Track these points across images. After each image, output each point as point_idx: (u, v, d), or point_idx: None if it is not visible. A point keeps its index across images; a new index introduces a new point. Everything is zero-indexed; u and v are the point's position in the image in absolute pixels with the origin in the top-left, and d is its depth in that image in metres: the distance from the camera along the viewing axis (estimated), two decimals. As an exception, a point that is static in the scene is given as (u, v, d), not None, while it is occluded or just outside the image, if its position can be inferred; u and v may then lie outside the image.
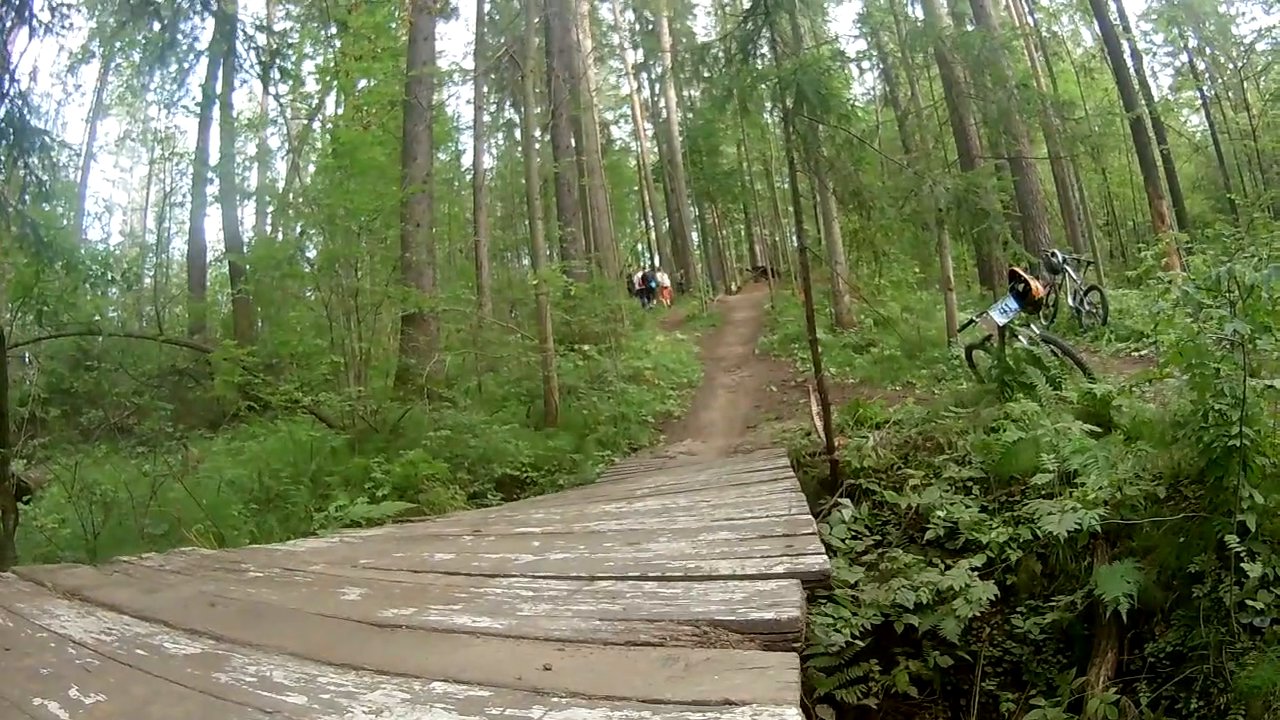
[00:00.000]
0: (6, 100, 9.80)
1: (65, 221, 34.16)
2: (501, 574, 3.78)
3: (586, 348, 19.23)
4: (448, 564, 4.29)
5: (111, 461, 14.73)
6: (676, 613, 2.70)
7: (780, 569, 3.25)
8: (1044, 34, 26.41)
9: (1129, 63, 22.49)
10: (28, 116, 10.10)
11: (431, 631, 2.88)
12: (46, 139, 10.27)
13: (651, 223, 46.49)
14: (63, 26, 10.67)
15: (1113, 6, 24.28)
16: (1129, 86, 20.91)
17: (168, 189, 40.43)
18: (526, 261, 40.45)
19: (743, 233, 48.01)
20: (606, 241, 31.49)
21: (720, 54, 11.12)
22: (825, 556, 3.44)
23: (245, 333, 23.29)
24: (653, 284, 37.91)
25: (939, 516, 7.50)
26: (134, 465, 13.05)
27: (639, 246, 50.94)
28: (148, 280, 38.92)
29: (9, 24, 9.93)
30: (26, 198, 11.07)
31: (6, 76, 9.93)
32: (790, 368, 18.36)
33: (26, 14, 9.95)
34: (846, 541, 7.65)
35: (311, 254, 20.47)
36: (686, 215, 41.38)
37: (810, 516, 4.53)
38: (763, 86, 10.42)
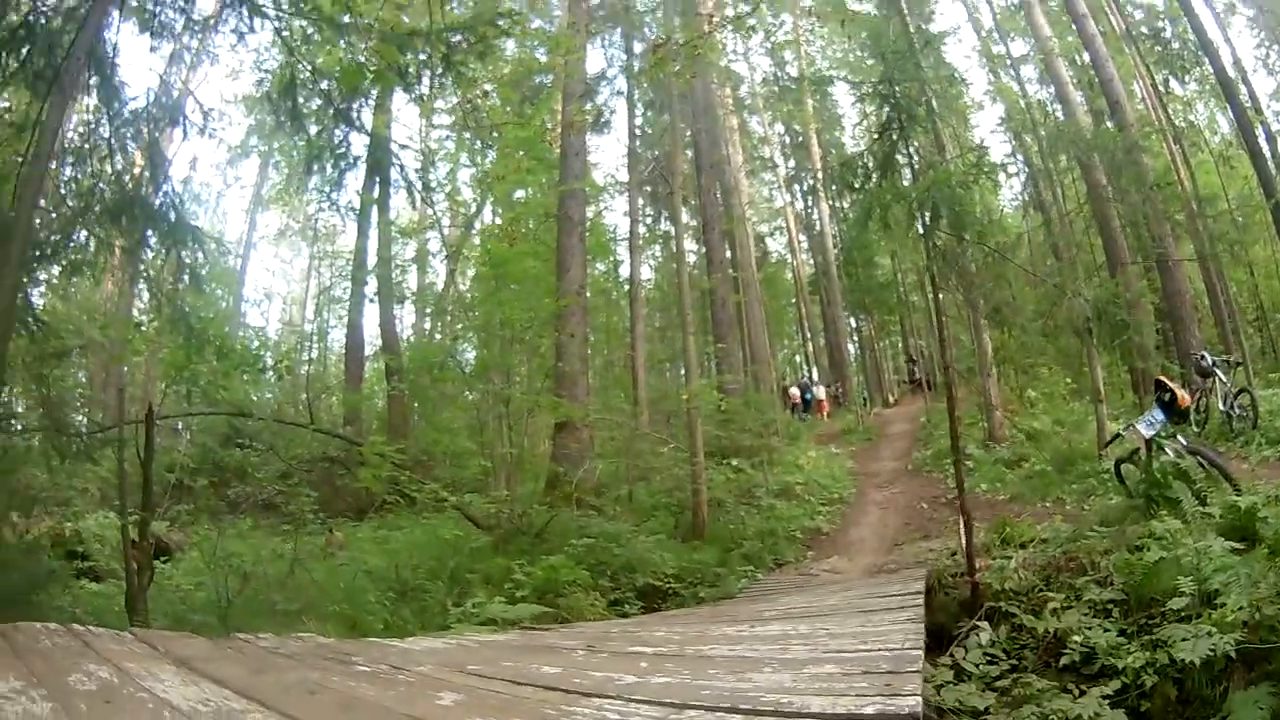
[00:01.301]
0: (161, 194, 10.43)
1: (225, 305, 35.81)
2: (598, 694, 3.78)
3: (737, 461, 19.24)
4: (550, 678, 4.31)
5: (254, 536, 15.24)
6: (749, 752, 2.71)
7: (870, 710, 3.22)
8: (1180, 125, 25.79)
9: (1264, 146, 21.85)
10: (180, 212, 10.71)
11: (507, 746, 2.90)
12: (197, 232, 10.89)
13: (809, 335, 46.32)
14: (212, 130, 11.35)
15: (1244, 89, 23.64)
16: (1266, 171, 20.08)
17: (327, 283, 42.10)
18: (683, 373, 40.88)
19: (899, 344, 47.58)
20: (762, 355, 31.58)
21: (859, 170, 11.22)
22: (919, 699, 3.37)
23: (398, 428, 23.83)
24: (808, 396, 37.75)
25: (1075, 641, 7.28)
26: (276, 542, 13.49)
27: (796, 359, 50.82)
28: (304, 369, 40.42)
29: (164, 125, 10.61)
30: (180, 286, 11.69)
31: (161, 174, 10.57)
32: (942, 484, 18.03)
33: (179, 116, 10.64)
34: (981, 666, 7.49)
35: (469, 356, 21.04)
36: (842, 327, 41.18)
37: (920, 652, 4.45)
38: (899, 203, 10.42)
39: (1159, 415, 10.36)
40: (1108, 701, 6.41)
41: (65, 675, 3.49)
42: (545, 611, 10.49)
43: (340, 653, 5.12)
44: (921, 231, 10.20)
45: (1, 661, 3.63)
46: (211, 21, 10.75)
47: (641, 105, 32.21)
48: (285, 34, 10.64)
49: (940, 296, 11.65)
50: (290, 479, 18.77)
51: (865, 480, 20.68)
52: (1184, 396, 10.88)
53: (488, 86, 27.10)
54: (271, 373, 16.30)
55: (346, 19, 10.58)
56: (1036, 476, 16.12)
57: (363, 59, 10.93)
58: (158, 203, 10.26)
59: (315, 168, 11.39)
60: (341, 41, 10.93)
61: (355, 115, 11.01)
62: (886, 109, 10.65)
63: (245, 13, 10.15)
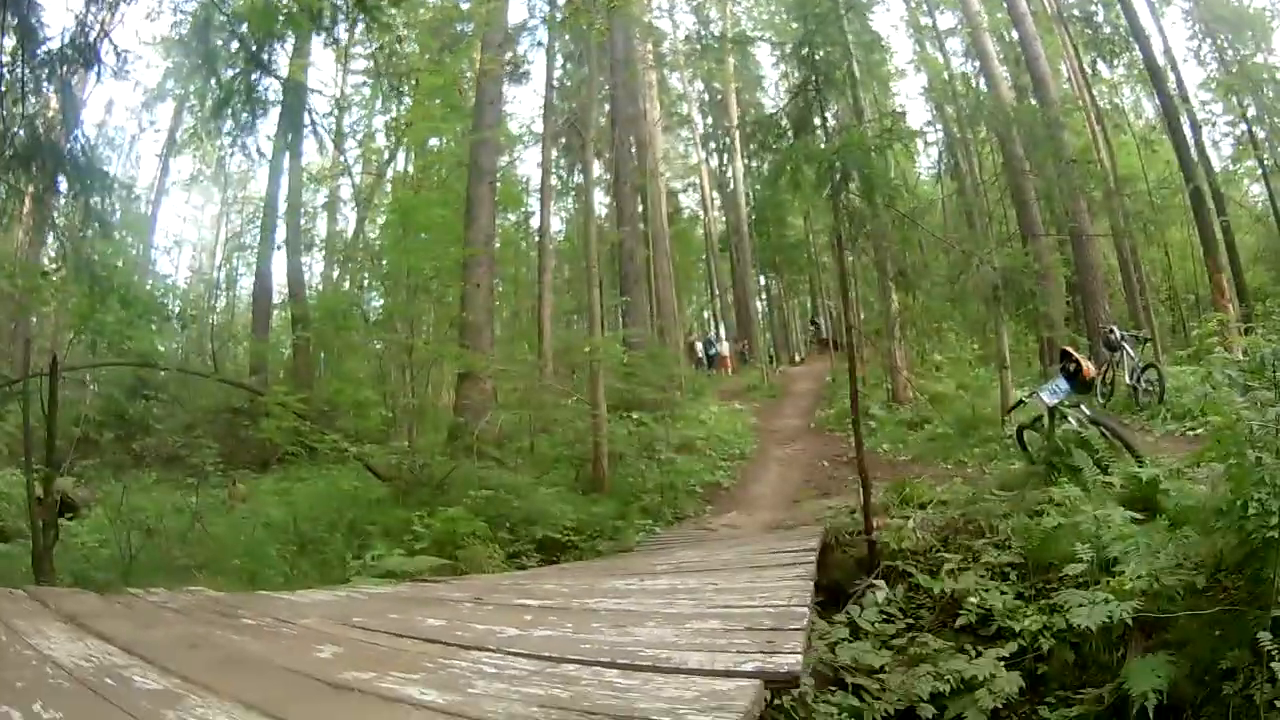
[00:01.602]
0: (72, 139, 10.07)
1: (135, 252, 34.89)
2: (478, 646, 3.73)
3: (639, 415, 19.14)
4: (433, 630, 4.26)
5: (159, 489, 15.05)
6: (620, 707, 2.63)
7: (749, 666, 3.14)
8: (1104, 107, 26.14)
9: (1188, 134, 22.22)
10: (91, 157, 10.36)
11: (379, 699, 2.86)
12: (107, 178, 10.55)
13: (718, 291, 46.38)
14: (126, 72, 10.94)
15: (1172, 77, 24.07)
16: (1188, 157, 20.59)
17: (237, 229, 41.21)
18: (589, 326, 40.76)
19: (808, 304, 47.88)
20: (669, 309, 31.49)
21: (775, 129, 11.11)
22: (799, 657, 3.31)
23: (304, 377, 23.52)
24: (712, 352, 37.83)
25: (972, 602, 7.27)
26: (180, 496, 13.24)
27: (705, 314, 50.95)
28: (214, 318, 39.68)
29: (76, 69, 10.19)
30: (88, 234, 11.36)
31: (74, 118, 10.19)
32: (844, 442, 18.03)
33: (95, 59, 10.21)
34: (877, 625, 7.46)
35: (377, 305, 20.74)
36: (751, 285, 41.26)
37: (806, 609, 4.38)
38: (810, 164, 10.31)
39: (1063, 385, 10.40)
40: (1003, 663, 6.39)
41: None
42: (444, 564, 10.39)
43: (227, 606, 5.11)
44: (831, 193, 10.15)
45: None
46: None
47: (561, 57, 31.89)
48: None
49: (847, 258, 11.61)
50: (194, 431, 18.50)
51: (767, 437, 20.70)
52: (1089, 368, 10.93)
53: (406, 32, 26.71)
54: (176, 322, 15.85)
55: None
56: (938, 439, 16.30)
57: (276, 2, 10.59)
58: (69, 148, 9.93)
59: (226, 112, 11.06)
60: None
61: (269, 59, 10.63)
62: (805, 70, 10.54)
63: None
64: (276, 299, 29.66)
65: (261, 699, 2.77)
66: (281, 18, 10.44)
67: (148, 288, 32.57)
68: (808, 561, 6.82)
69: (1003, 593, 7.40)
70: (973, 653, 6.72)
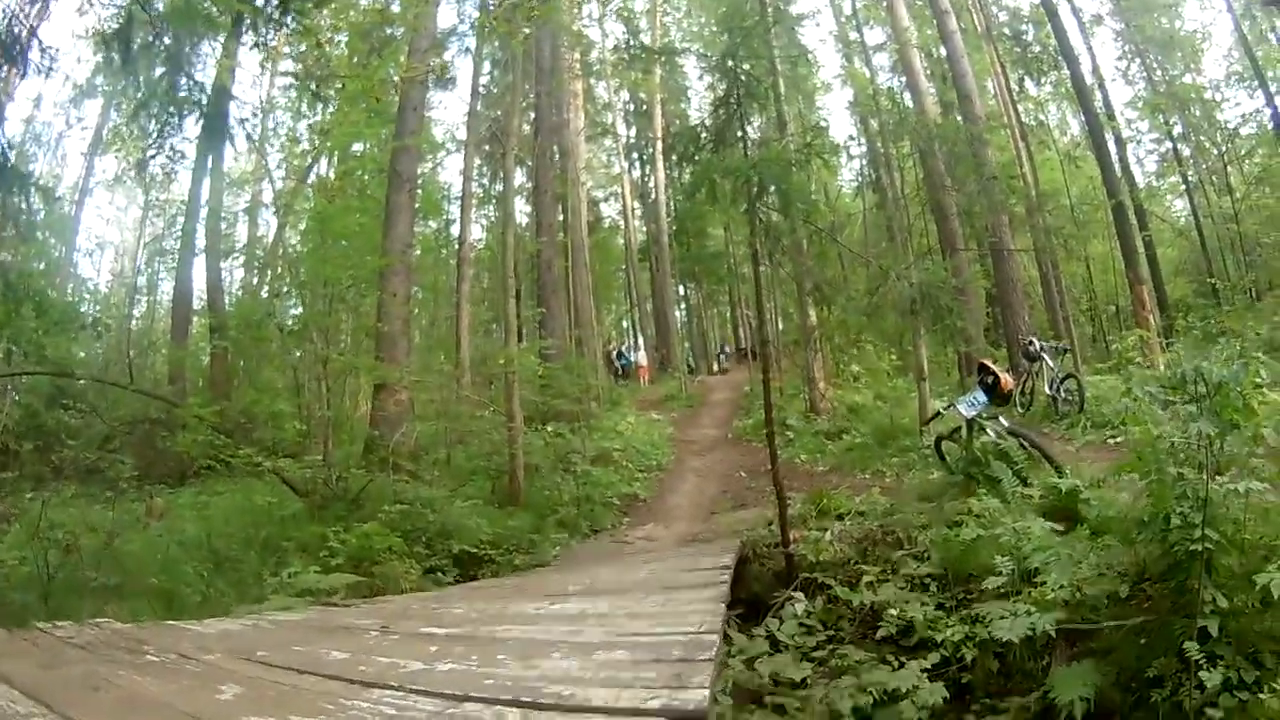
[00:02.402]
0: None
1: (58, 254, 34.05)
2: (380, 683, 3.67)
3: (549, 428, 19.03)
4: (336, 665, 4.18)
5: (77, 503, 14.60)
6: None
7: (655, 704, 3.07)
8: (1029, 123, 26.58)
9: (1113, 150, 22.78)
10: (7, 157, 10.07)
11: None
12: (27, 179, 10.27)
13: (636, 301, 46.35)
14: (51, 70, 10.66)
15: (1099, 95, 24.61)
16: (1111, 173, 21.27)
17: (159, 233, 40.28)
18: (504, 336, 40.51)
19: (727, 315, 48.10)
20: (587, 319, 31.43)
21: (695, 141, 11.05)
22: (706, 692, 3.20)
23: (222, 387, 23.12)
24: (626, 361, 37.85)
25: (892, 614, 7.20)
26: (97, 511, 12.89)
27: (624, 324, 50.97)
28: (135, 323, 38.85)
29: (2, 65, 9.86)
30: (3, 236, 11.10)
31: None
32: (762, 453, 17.84)
33: (18, 56, 9.90)
34: (796, 638, 7.33)
35: (295, 314, 20.44)
36: (670, 295, 41.43)
37: (716, 637, 4.33)
38: (728, 177, 10.26)
39: (980, 397, 10.44)
40: (927, 674, 6.31)
41: None
42: (359, 580, 10.26)
43: (134, 640, 5.05)
44: (748, 207, 10.09)
45: None
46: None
47: (490, 63, 31.68)
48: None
49: (763, 270, 11.57)
50: (112, 442, 18.05)
51: (685, 448, 20.67)
52: (1006, 380, 10.98)
53: (335, 36, 26.37)
54: (92, 330, 15.46)
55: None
56: (857, 449, 16.37)
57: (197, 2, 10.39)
58: None
59: (147, 112, 10.87)
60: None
61: (189, 60, 10.39)
62: (728, 83, 10.49)
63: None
64: (197, 305, 29.09)
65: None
66: (200, 16, 10.24)
67: (67, 293, 32.11)
68: (721, 581, 6.74)
69: (923, 604, 7.31)
70: (895, 664, 6.61)
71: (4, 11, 10.01)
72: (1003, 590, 6.67)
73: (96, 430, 19.25)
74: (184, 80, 10.25)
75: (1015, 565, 6.74)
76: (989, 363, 11.26)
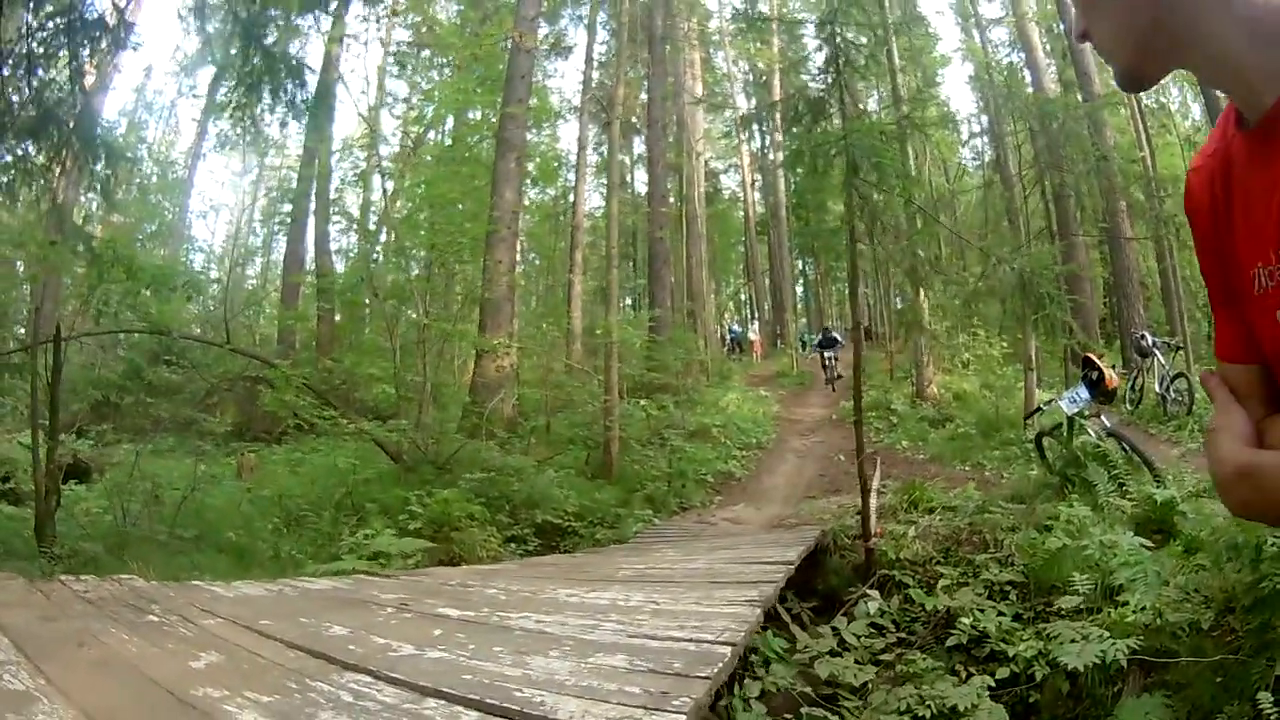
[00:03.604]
0: (79, 111, 9.95)
1: (170, 216, 35.02)
2: (357, 667, 3.53)
3: (645, 402, 18.85)
4: (330, 642, 4.07)
5: (172, 455, 14.99)
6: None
7: None
8: (1150, 104, 25.56)
9: None
10: (97, 130, 10.26)
11: (206, 724, 2.69)
12: (111, 147, 10.44)
13: (754, 275, 45.89)
14: (136, 44, 10.80)
15: None
16: None
17: (274, 195, 41.07)
18: (628, 303, 40.37)
19: (845, 291, 47.54)
20: (699, 291, 31.22)
21: (793, 113, 10.69)
22: (683, 717, 2.92)
23: (326, 348, 23.52)
24: (737, 335, 37.53)
25: (964, 623, 6.84)
26: (189, 464, 13.12)
27: (741, 297, 50.59)
28: (250, 283, 39.78)
29: (85, 40, 9.99)
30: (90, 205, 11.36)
31: (79, 88, 10.05)
32: (864, 437, 17.76)
33: (101, 31, 10.03)
34: (863, 639, 7.04)
35: (412, 275, 20.66)
36: (787, 270, 40.90)
37: (729, 650, 3.96)
38: (819, 151, 9.87)
39: (1083, 394, 9.97)
40: (990, 691, 5.98)
41: None
42: (433, 546, 10.25)
43: (145, 599, 5.02)
44: (844, 181, 9.70)
45: None
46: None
47: (607, 31, 31.50)
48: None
49: (868, 249, 11.20)
50: (211, 398, 18.44)
51: (788, 427, 20.38)
52: (1111, 376, 10.43)
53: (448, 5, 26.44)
54: (185, 290, 15.77)
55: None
56: (959, 438, 16.01)
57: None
58: (74, 123, 9.81)
59: (222, 85, 11.01)
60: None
61: (260, 33, 10.36)
62: (828, 50, 10.09)
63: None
64: (308, 268, 29.65)
65: (106, 709, 2.79)
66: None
67: (179, 254, 32.96)
68: (773, 580, 6.39)
69: (1000, 613, 6.93)
70: (964, 674, 6.31)
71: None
72: (1084, 605, 6.31)
73: (197, 386, 19.66)
74: (255, 52, 10.16)
75: (1099, 580, 6.37)
76: (1094, 357, 10.72)
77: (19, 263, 20.01)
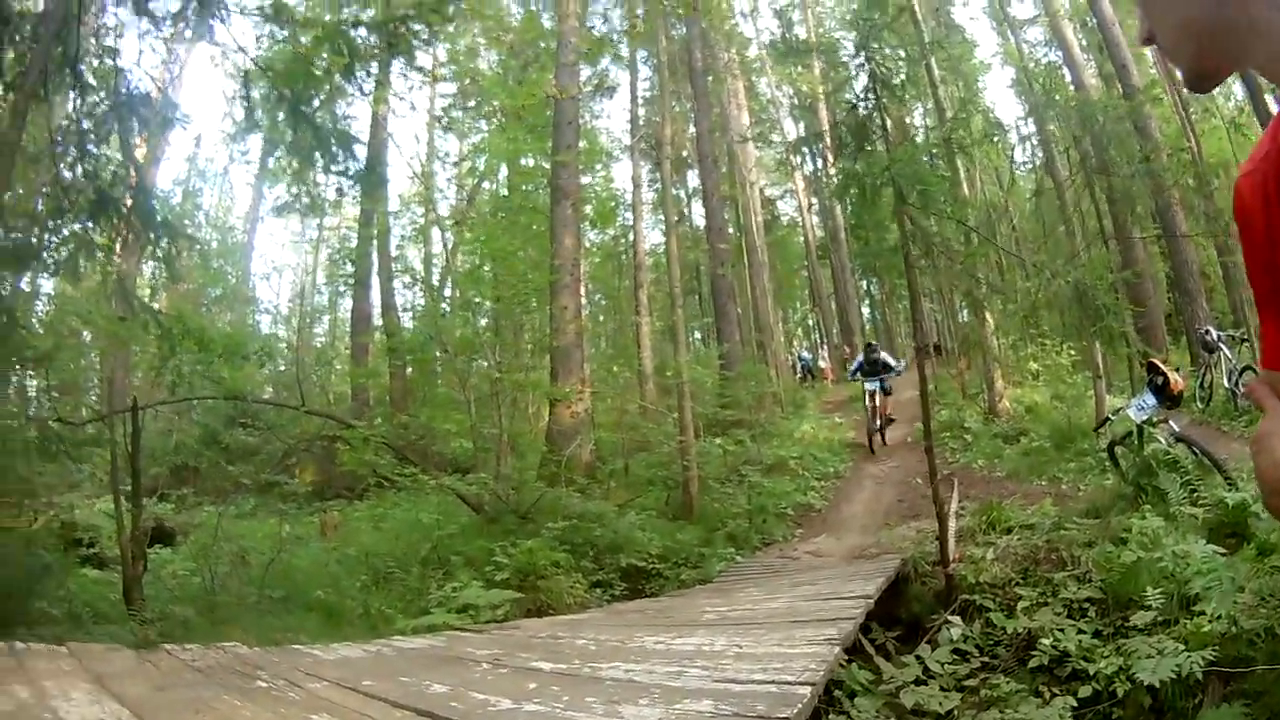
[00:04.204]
0: (137, 191, 10.34)
1: (233, 280, 35.90)
2: None
3: (720, 440, 18.98)
4: (431, 700, 4.28)
5: (254, 517, 15.42)
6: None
7: None
8: (1187, 93, 25.25)
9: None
10: (155, 208, 10.65)
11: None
12: (172, 227, 10.85)
13: (819, 299, 45.78)
14: (185, 123, 11.26)
15: None
16: None
17: (335, 254, 41.86)
18: (696, 337, 40.47)
19: (909, 308, 47.15)
20: (766, 322, 31.27)
21: (838, 140, 10.84)
22: None
23: (400, 404, 23.95)
24: (806, 363, 37.48)
25: (1045, 644, 6.92)
26: (273, 523, 13.74)
27: (809, 322, 50.51)
28: (319, 341, 40.50)
29: (139, 122, 10.42)
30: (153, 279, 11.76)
31: (133, 169, 10.45)
32: (940, 458, 17.67)
33: (151, 112, 10.46)
34: (946, 666, 7.15)
35: (465, 332, 21.02)
36: (852, 292, 40.82)
37: (809, 690, 4.09)
38: (864, 181, 9.99)
39: (1150, 400, 9.97)
40: (1073, 711, 6.08)
41: None
42: (519, 597, 10.42)
43: (251, 666, 5.22)
44: (894, 208, 9.82)
45: None
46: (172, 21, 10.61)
47: (648, 68, 31.83)
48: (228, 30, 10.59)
49: (924, 265, 11.29)
50: (290, 459, 18.90)
51: (863, 453, 20.37)
52: (1176, 381, 10.39)
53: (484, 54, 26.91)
54: (258, 357, 16.29)
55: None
56: (1034, 453, 15.84)
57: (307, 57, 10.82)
58: (131, 201, 10.25)
59: (272, 161, 11.47)
60: (284, 37, 10.81)
61: (308, 111, 10.76)
62: (865, 77, 10.26)
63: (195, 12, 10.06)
64: (377, 322, 30.18)
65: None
66: (317, 71, 10.61)
67: (244, 316, 33.66)
68: (852, 616, 6.51)
69: (1080, 631, 7.01)
70: (1047, 695, 6.40)
71: (120, 70, 10.60)
72: (1159, 619, 6.38)
73: (274, 448, 20.12)
74: (305, 128, 10.55)
75: (1174, 591, 6.44)
76: (1158, 362, 10.70)
77: (85, 334, 20.60)
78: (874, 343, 22.15)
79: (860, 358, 21.68)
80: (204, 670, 5.07)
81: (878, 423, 20.22)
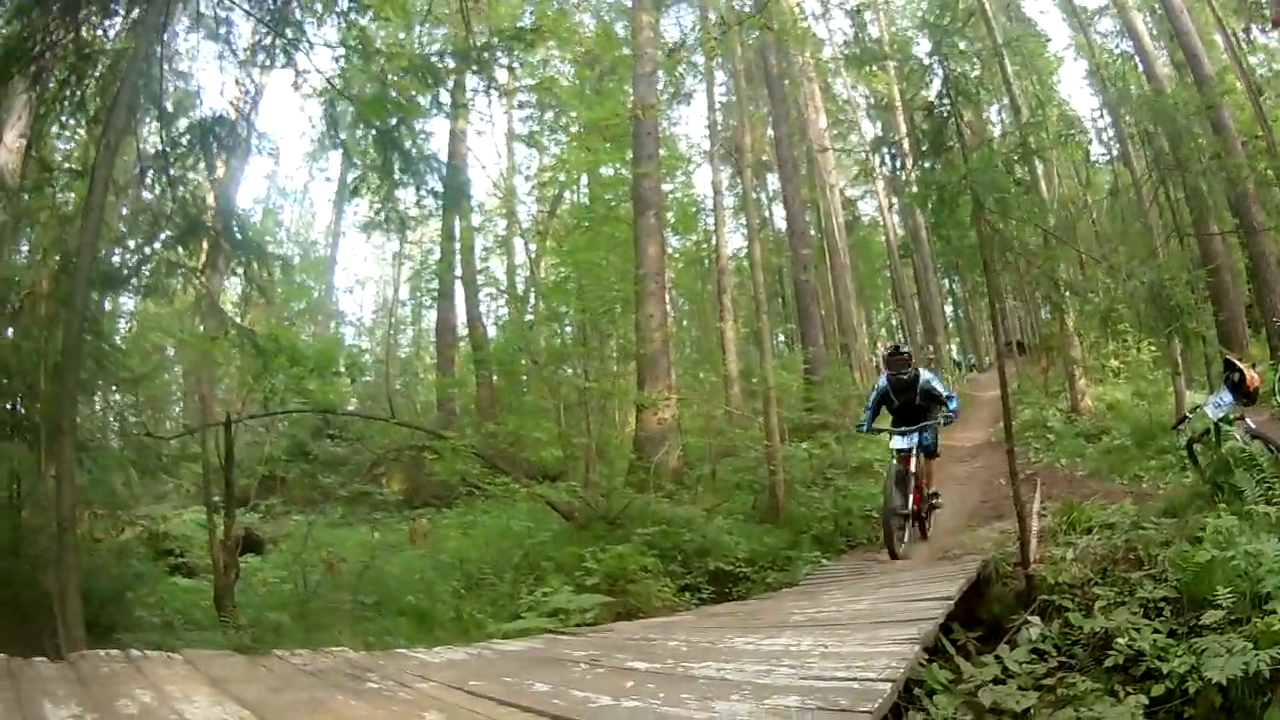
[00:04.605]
0: (223, 216, 10.86)
1: (316, 294, 36.67)
2: (565, 718, 3.96)
3: (806, 444, 19.11)
4: (534, 698, 4.47)
5: (344, 526, 15.82)
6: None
7: None
8: (1265, 74, 24.73)
9: None
10: (244, 232, 11.16)
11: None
12: (262, 250, 11.37)
13: (903, 299, 45.49)
14: (271, 149, 11.85)
15: None
16: None
17: (417, 267, 42.56)
18: (780, 339, 40.50)
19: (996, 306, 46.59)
20: (850, 324, 31.27)
21: (918, 144, 10.93)
22: None
23: (487, 413, 24.33)
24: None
25: (1120, 643, 7.08)
26: (363, 532, 14.48)
27: (893, 322, 50.24)
28: (404, 351, 41.14)
29: (220, 150, 10.93)
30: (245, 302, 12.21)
31: (220, 196, 11.00)
32: (1023, 458, 17.68)
33: (236, 140, 10.97)
34: (1024, 666, 7.34)
35: (552, 342, 21.40)
36: (935, 290, 40.54)
37: (889, 686, 4.28)
38: (941, 190, 10.13)
39: (1226, 397, 10.05)
40: (1145, 709, 6.23)
41: (115, 700, 3.97)
42: (610, 601, 10.69)
43: (360, 668, 5.41)
44: (972, 215, 9.95)
45: (68, 690, 4.14)
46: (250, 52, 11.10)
47: (724, 74, 31.94)
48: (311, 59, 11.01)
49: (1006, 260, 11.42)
50: (378, 468, 19.39)
51: (947, 453, 20.12)
52: (1252, 377, 10.40)
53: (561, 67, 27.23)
54: (348, 373, 16.85)
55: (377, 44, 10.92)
56: (1115, 451, 15.81)
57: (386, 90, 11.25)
58: (219, 225, 10.72)
59: (363, 187, 11.92)
60: (369, 68, 11.25)
61: (401, 134, 11.17)
62: (938, 83, 10.39)
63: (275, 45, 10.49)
64: (461, 332, 30.72)
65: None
66: (394, 104, 11.04)
67: (329, 329, 34.37)
68: (932, 616, 6.71)
69: (1155, 631, 7.16)
70: (1123, 694, 6.56)
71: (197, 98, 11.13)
72: (1230, 618, 6.53)
73: (362, 458, 20.59)
74: (396, 156, 10.98)
75: (1247, 590, 6.58)
76: (1234, 359, 10.76)
77: (169, 350, 21.26)
78: (903, 349, 13.96)
79: (882, 380, 13.54)
80: (315, 673, 5.25)
81: (908, 502, 12.69)
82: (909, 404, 13.00)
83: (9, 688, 3.99)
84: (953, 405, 13.05)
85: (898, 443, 12.82)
